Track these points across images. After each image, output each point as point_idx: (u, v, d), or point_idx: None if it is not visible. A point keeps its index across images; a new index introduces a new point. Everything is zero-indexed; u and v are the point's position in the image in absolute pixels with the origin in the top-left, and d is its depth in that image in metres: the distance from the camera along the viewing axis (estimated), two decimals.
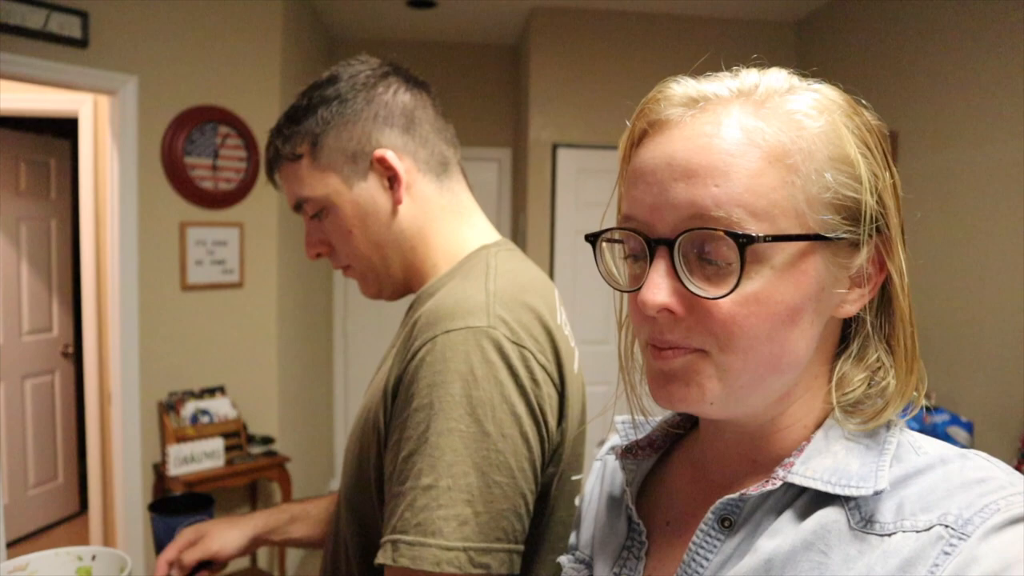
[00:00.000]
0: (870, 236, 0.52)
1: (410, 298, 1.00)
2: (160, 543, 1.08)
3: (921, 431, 2.49)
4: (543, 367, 0.79)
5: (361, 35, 4.44)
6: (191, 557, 1.03)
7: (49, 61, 2.54)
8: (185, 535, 1.05)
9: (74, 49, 2.61)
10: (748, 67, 0.56)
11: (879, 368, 0.55)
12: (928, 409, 2.73)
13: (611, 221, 0.59)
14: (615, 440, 0.73)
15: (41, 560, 1.03)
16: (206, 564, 1.06)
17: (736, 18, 4.03)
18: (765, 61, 0.57)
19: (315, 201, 0.94)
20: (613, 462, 0.72)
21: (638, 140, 0.56)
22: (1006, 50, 2.68)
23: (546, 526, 0.86)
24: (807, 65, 4.65)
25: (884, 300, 0.55)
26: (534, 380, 0.78)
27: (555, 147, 3.98)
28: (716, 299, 0.50)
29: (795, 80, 0.55)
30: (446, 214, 0.97)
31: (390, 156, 0.92)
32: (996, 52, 2.73)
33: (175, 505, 1.13)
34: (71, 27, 2.57)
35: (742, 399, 0.53)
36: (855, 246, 0.52)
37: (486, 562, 0.72)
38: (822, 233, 0.50)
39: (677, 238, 0.50)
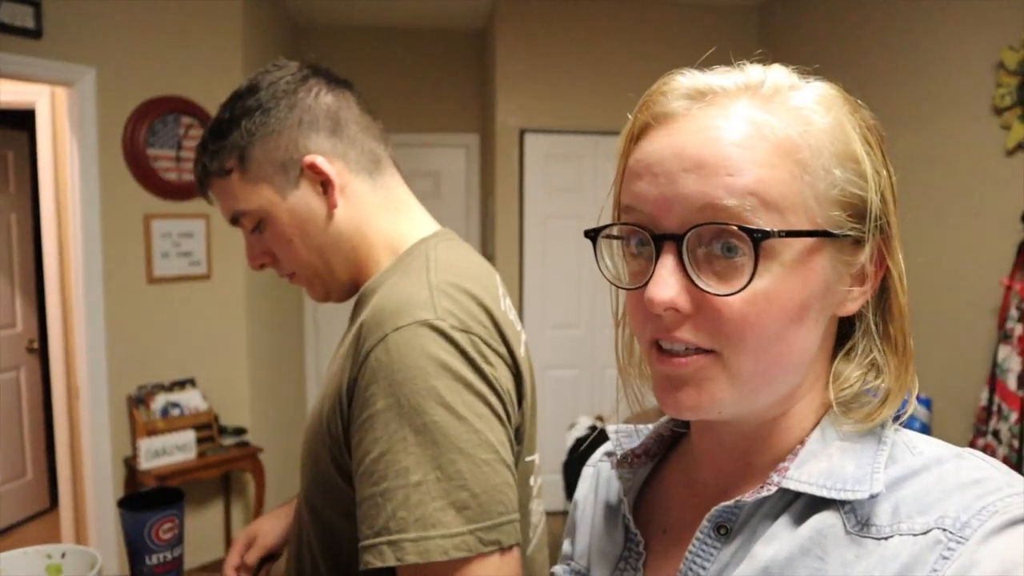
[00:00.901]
0: (874, 234, 0.51)
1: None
2: (130, 539, 1.08)
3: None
4: (495, 350, 0.81)
5: (325, 20, 4.39)
6: (253, 556, 1.07)
7: (2, 53, 2.49)
8: (240, 540, 1.09)
9: (27, 40, 2.56)
10: (751, 62, 0.55)
11: (874, 366, 0.55)
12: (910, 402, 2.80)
13: (608, 217, 0.57)
14: (608, 447, 0.73)
15: (10, 560, 1.02)
16: (267, 558, 1.11)
17: (699, 2, 4.05)
18: (768, 55, 0.56)
19: (251, 214, 0.94)
20: (608, 470, 0.71)
21: (639, 134, 0.54)
22: (964, 30, 2.74)
23: (516, 494, 0.88)
24: (769, 49, 4.70)
25: (882, 298, 0.55)
26: (489, 363, 0.79)
27: (522, 132, 3.99)
28: (727, 296, 0.48)
29: (795, 77, 0.54)
30: (382, 211, 0.97)
31: (320, 161, 0.92)
32: (954, 33, 2.79)
33: (145, 501, 1.13)
34: (23, 17, 2.51)
35: (751, 401, 0.52)
36: (858, 243, 0.51)
37: (495, 538, 0.73)
38: (830, 230, 0.49)
39: (686, 233, 0.49)
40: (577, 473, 0.81)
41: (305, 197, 0.93)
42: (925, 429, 2.66)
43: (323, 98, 0.94)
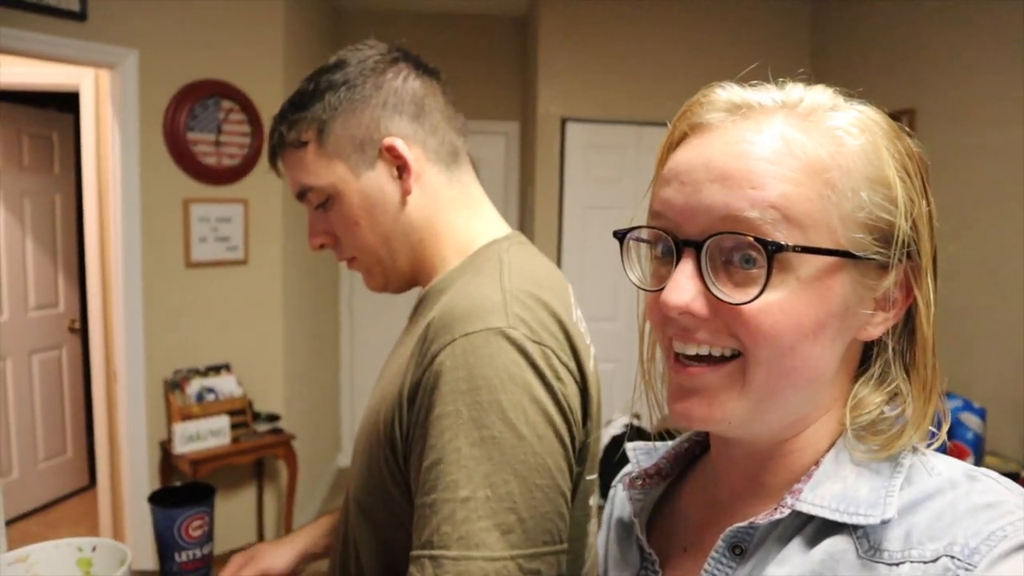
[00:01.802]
0: (900, 260, 0.51)
1: (417, 290, 0.98)
2: (160, 535, 1.06)
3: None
4: (565, 365, 0.77)
5: (366, 5, 4.36)
6: (249, 574, 1.07)
7: (47, 35, 2.49)
8: (236, 559, 1.08)
9: (72, 23, 2.56)
10: (795, 82, 0.56)
11: (896, 395, 0.55)
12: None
13: (641, 219, 0.59)
14: (627, 469, 0.72)
15: (42, 551, 1.03)
16: None
17: None
18: (811, 75, 0.57)
19: (320, 190, 0.91)
20: (623, 491, 0.71)
21: (677, 142, 0.56)
22: None
23: (567, 525, 0.86)
24: (821, 41, 4.58)
25: (908, 327, 0.55)
26: (559, 378, 0.76)
27: (564, 121, 3.92)
28: (740, 304, 0.49)
29: (840, 99, 0.54)
30: (456, 205, 0.94)
31: (400, 145, 0.89)
32: (1015, 30, 2.65)
33: (175, 496, 1.12)
34: (69, 0, 2.51)
35: (761, 416, 0.53)
36: (884, 268, 0.52)
37: (536, 568, 0.70)
38: (852, 251, 0.50)
39: (706, 240, 0.50)
40: (613, 473, 0.80)
41: (379, 179, 0.91)
42: (978, 440, 2.55)
43: (410, 82, 0.92)
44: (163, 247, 2.95)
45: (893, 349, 0.54)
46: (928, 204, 0.53)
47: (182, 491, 1.14)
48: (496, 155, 4.63)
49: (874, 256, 0.51)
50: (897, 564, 0.47)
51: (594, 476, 0.91)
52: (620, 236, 0.57)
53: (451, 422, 0.71)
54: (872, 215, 0.50)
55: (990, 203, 2.75)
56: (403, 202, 0.91)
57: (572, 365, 0.79)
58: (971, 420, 2.59)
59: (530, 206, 4.09)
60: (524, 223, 4.36)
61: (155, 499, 1.09)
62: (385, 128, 0.90)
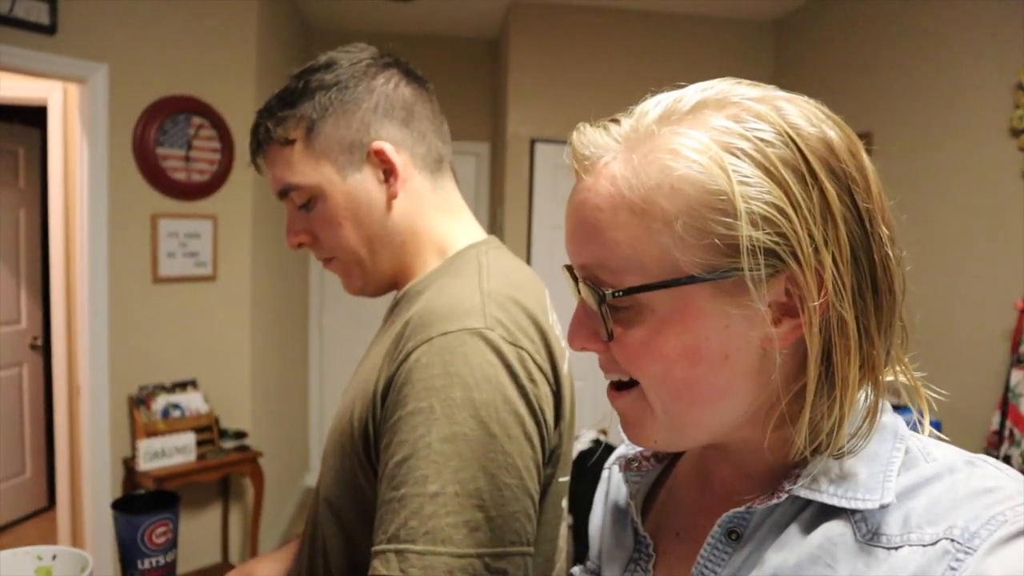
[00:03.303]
0: (776, 269, 0.48)
1: (392, 294, 0.99)
2: (123, 542, 1.06)
3: None
4: (539, 367, 0.78)
5: (339, 27, 4.40)
6: None
7: (15, 47, 2.48)
8: (232, 574, 1.08)
9: (42, 36, 2.55)
10: (668, 90, 0.55)
11: (822, 397, 0.52)
12: (897, 408, 2.76)
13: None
14: (622, 450, 0.73)
15: None
16: None
17: (714, 16, 4.04)
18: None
19: (305, 189, 0.91)
20: (618, 472, 0.71)
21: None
22: (982, 50, 2.72)
23: (535, 527, 0.86)
24: (783, 65, 4.68)
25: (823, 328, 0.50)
26: (532, 381, 0.76)
27: (533, 142, 3.98)
28: (602, 345, 0.54)
29: (716, 94, 0.52)
30: (438, 211, 0.95)
31: (388, 149, 0.90)
32: (972, 53, 2.77)
33: (139, 503, 1.12)
34: (38, 13, 2.51)
35: (680, 433, 0.55)
36: (759, 279, 0.48)
37: (502, 567, 0.70)
38: (698, 275, 0.48)
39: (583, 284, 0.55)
40: (580, 487, 0.81)
41: (365, 182, 0.91)
42: None
43: (401, 88, 0.93)
44: (130, 262, 2.93)
45: (784, 355, 0.50)
46: (823, 194, 0.48)
47: (146, 499, 1.13)
48: (467, 175, 4.67)
49: (731, 271, 0.48)
50: (896, 548, 0.47)
51: (566, 479, 0.91)
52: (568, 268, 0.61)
53: (423, 418, 0.72)
54: (713, 234, 0.48)
55: (946, 223, 2.85)
56: (388, 206, 0.92)
57: (547, 368, 0.80)
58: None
59: (500, 225, 4.13)
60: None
61: (119, 506, 1.08)
62: (375, 132, 0.90)
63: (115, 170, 2.84)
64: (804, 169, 0.48)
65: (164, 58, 2.93)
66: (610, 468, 0.76)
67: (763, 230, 0.47)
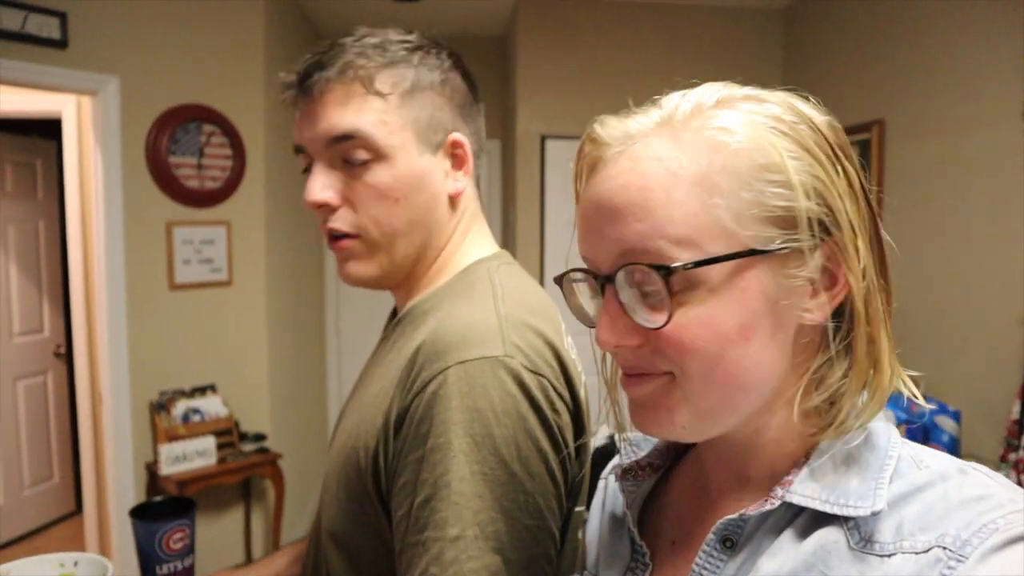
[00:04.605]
0: (816, 241, 0.50)
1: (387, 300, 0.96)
2: (141, 548, 1.08)
3: (908, 421, 2.51)
4: (560, 395, 0.75)
5: (346, 27, 4.39)
6: None
7: (28, 63, 2.53)
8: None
9: (53, 50, 2.60)
10: (680, 89, 0.56)
11: (846, 376, 0.54)
12: (915, 398, 2.73)
13: (577, 257, 0.60)
14: (618, 459, 0.73)
15: (23, 567, 1.03)
16: None
17: (723, 6, 4.01)
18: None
19: (375, 147, 0.82)
20: (614, 482, 0.71)
21: (583, 179, 0.58)
22: (993, 37, 2.68)
23: (555, 569, 0.83)
24: (794, 55, 4.63)
25: (847, 304, 0.53)
26: (555, 410, 0.73)
27: (543, 138, 3.98)
28: (658, 328, 0.50)
29: (731, 91, 0.54)
30: (472, 217, 0.92)
31: (466, 144, 0.88)
32: (983, 39, 2.73)
33: (156, 510, 1.14)
34: (50, 28, 2.55)
35: (713, 421, 0.53)
36: (804, 253, 0.50)
37: None
38: (756, 248, 0.50)
39: (615, 274, 0.52)
40: (596, 484, 0.81)
41: (433, 167, 0.86)
42: (954, 442, 2.59)
43: (470, 94, 0.92)
44: (147, 270, 2.97)
45: (835, 328, 0.53)
46: (846, 174, 0.52)
47: (163, 505, 1.15)
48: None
49: (785, 245, 0.50)
50: (889, 555, 0.47)
51: (582, 508, 0.87)
52: (559, 281, 0.60)
53: (442, 456, 0.68)
54: (769, 206, 0.50)
55: (960, 210, 2.81)
56: (443, 199, 0.88)
57: (567, 395, 0.76)
58: (946, 423, 2.63)
59: (512, 223, 4.14)
60: (506, 239, 4.40)
61: (136, 513, 1.11)
62: (454, 124, 0.88)
63: (129, 180, 2.89)
64: (828, 149, 0.52)
65: (173, 68, 2.97)
66: (606, 478, 0.76)
67: (814, 201, 0.50)
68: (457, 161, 0.88)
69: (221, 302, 3.18)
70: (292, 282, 3.80)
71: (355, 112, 0.82)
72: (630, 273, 0.52)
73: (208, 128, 3.06)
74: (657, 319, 0.51)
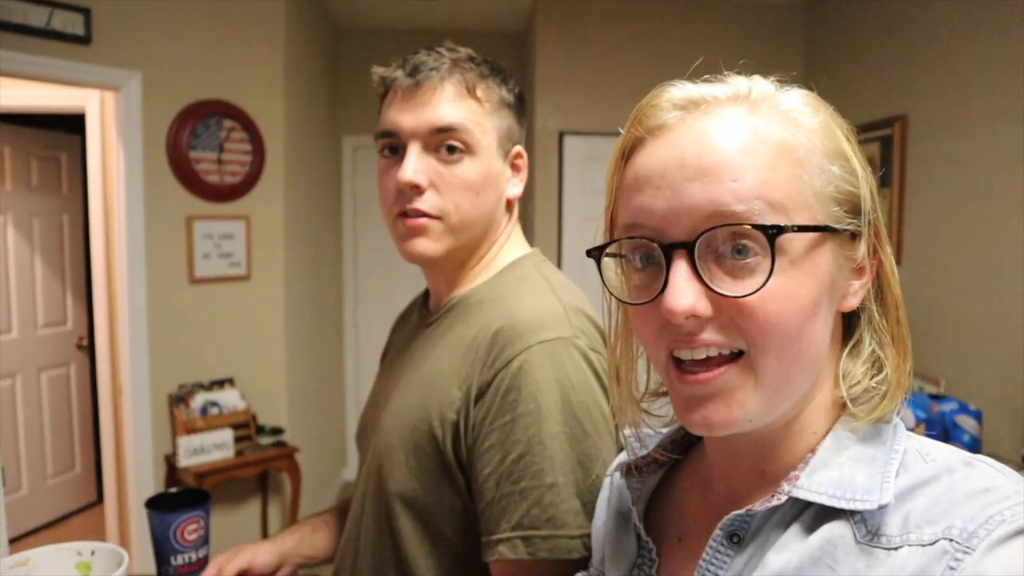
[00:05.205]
0: (868, 227, 0.53)
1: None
2: (157, 539, 1.10)
3: (928, 420, 2.48)
4: (606, 370, 0.86)
5: (365, 23, 4.43)
6: (230, 569, 1.11)
7: (52, 58, 2.56)
8: (219, 559, 1.13)
9: (77, 46, 2.63)
10: (737, 74, 0.56)
11: (875, 361, 0.56)
12: (936, 397, 2.70)
13: (601, 238, 0.59)
14: (623, 457, 0.73)
15: (42, 555, 1.04)
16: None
17: (744, 1, 3.97)
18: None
19: (471, 142, 0.95)
20: (620, 478, 0.71)
21: (632, 149, 0.55)
22: (1016, 32, 2.63)
23: None
24: (815, 50, 4.57)
25: (877, 290, 0.56)
26: (606, 385, 0.86)
27: (561, 134, 3.97)
28: (744, 296, 0.49)
29: (776, 86, 0.56)
30: (514, 224, 1.06)
31: (525, 156, 1.03)
32: (1006, 34, 2.68)
33: (172, 501, 1.15)
34: (74, 24, 2.58)
35: (776, 406, 0.52)
36: (855, 238, 0.53)
37: (589, 544, 0.79)
38: (831, 224, 0.51)
39: (696, 239, 0.49)
40: None
41: (502, 171, 1.01)
42: (975, 441, 2.55)
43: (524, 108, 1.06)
44: (167, 264, 3.00)
45: (873, 313, 0.55)
46: (866, 160, 0.55)
47: (178, 496, 1.17)
48: None
49: (848, 227, 0.52)
50: (896, 548, 0.47)
51: None
52: (596, 254, 0.57)
53: (533, 419, 0.82)
54: (839, 188, 0.52)
55: (983, 206, 2.77)
56: (503, 200, 1.02)
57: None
58: (967, 423, 2.60)
59: (530, 219, 4.13)
60: (525, 235, 4.39)
61: (152, 504, 1.12)
62: (519, 138, 1.03)
63: (150, 174, 2.92)
64: (855, 141, 0.55)
65: (195, 64, 2.99)
66: (611, 475, 0.76)
67: (868, 186, 0.53)
68: (515, 170, 1.03)
69: (240, 296, 3.21)
70: (310, 276, 3.82)
71: (461, 110, 0.95)
72: (716, 237, 0.49)
73: (228, 123, 3.08)
74: (739, 288, 0.49)
